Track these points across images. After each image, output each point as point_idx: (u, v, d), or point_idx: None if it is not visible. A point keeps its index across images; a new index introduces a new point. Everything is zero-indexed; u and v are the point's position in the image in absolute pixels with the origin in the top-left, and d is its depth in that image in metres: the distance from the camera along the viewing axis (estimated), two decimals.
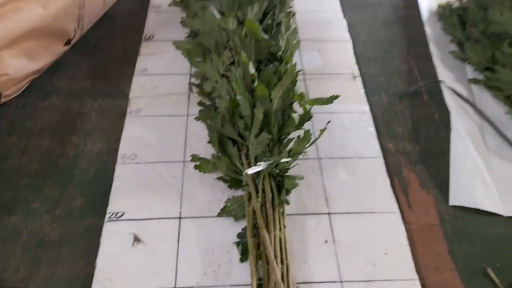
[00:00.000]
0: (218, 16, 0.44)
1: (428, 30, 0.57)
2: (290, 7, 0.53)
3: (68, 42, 0.51)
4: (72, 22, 0.50)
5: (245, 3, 0.46)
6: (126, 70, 0.52)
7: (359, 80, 0.51)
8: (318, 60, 0.53)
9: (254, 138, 0.38)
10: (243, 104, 0.38)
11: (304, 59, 0.53)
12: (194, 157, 0.41)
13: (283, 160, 0.37)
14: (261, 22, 0.47)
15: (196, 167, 0.41)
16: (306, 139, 0.38)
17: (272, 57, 0.44)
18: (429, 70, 0.53)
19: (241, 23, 0.45)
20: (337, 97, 0.40)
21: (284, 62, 0.44)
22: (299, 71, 0.41)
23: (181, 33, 0.54)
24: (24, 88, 0.49)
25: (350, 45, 0.55)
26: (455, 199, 0.41)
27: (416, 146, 0.46)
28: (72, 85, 0.50)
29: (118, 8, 0.58)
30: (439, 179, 0.43)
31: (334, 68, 0.52)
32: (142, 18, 0.59)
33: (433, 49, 0.55)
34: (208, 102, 0.46)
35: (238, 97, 0.37)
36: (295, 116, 0.40)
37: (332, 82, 0.50)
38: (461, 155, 0.43)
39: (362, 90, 0.50)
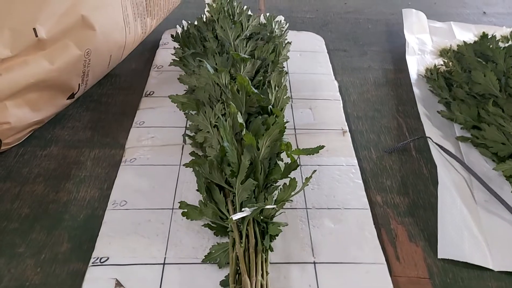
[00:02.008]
0: (212, 71, 0.47)
1: (416, 91, 0.60)
2: (283, 67, 0.56)
3: (71, 96, 0.54)
4: (77, 77, 0.52)
5: (239, 62, 0.49)
6: (124, 123, 0.54)
7: (348, 136, 0.52)
8: (309, 117, 0.55)
9: (240, 185, 0.38)
10: (230, 151, 0.39)
11: (296, 116, 0.55)
12: (182, 204, 0.41)
13: (268, 206, 0.37)
14: (253, 79, 0.50)
15: (183, 214, 0.41)
16: (292, 186, 0.39)
17: (263, 110, 0.46)
18: (417, 127, 0.55)
19: (233, 79, 0.47)
20: (322, 147, 0.42)
21: (274, 115, 0.46)
22: (286, 122, 0.42)
23: (180, 90, 0.57)
24: (25, 137, 0.51)
25: (340, 104, 0.57)
26: (443, 252, 0.40)
27: (404, 199, 0.46)
28: (72, 135, 0.52)
29: (122, 67, 0.61)
30: (429, 232, 0.43)
31: (325, 124, 0.54)
32: (144, 77, 0.62)
33: (421, 108, 0.56)
34: (200, 153, 0.48)
35: (225, 144, 0.39)
36: (282, 165, 0.41)
37: (322, 137, 0.51)
38: (449, 209, 0.43)
39: (351, 145, 0.51)
